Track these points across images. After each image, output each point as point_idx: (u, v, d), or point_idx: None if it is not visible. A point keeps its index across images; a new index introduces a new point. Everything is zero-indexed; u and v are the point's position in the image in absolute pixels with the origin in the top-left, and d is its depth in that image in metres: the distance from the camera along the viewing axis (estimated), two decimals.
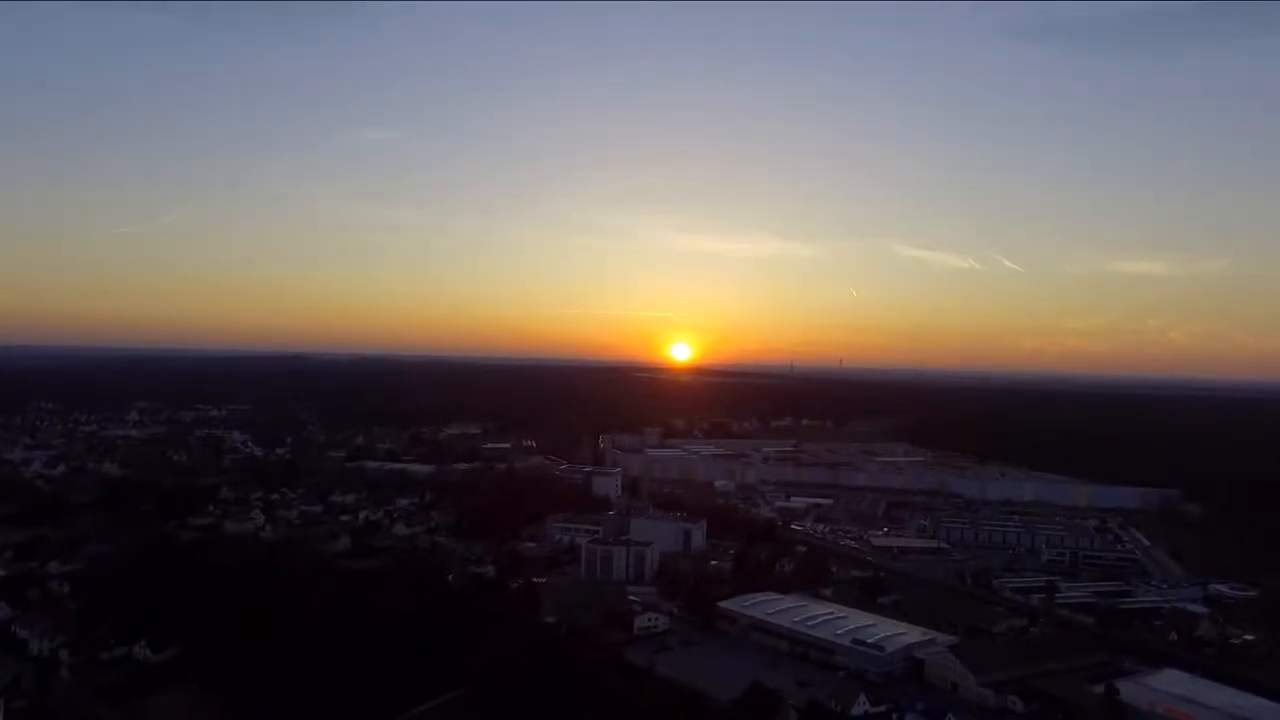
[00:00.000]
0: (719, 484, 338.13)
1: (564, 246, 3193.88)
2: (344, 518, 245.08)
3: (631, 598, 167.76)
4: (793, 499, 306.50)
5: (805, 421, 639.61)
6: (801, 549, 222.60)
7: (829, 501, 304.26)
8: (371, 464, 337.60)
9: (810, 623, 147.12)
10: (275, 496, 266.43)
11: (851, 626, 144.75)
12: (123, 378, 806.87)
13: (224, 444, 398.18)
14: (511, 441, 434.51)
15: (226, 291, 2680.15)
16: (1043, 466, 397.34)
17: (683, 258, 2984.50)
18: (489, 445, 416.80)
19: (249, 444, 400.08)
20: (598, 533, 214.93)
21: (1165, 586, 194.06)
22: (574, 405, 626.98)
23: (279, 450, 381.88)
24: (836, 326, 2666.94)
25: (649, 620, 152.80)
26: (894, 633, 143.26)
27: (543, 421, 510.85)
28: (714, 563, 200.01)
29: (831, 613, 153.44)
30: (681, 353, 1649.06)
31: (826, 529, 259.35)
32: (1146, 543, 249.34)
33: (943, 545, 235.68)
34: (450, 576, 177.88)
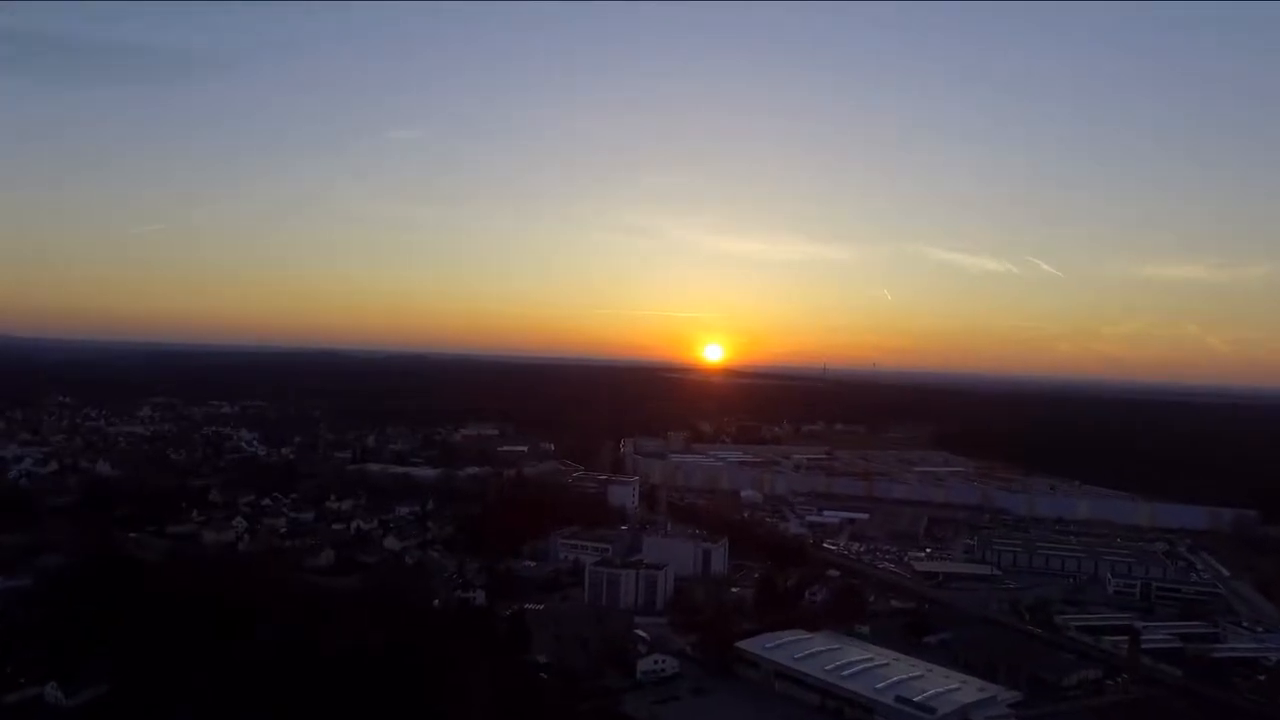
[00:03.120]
0: (745, 494, 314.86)
1: (595, 246, 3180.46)
2: (335, 527, 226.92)
3: (639, 631, 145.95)
4: (824, 513, 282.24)
5: (838, 426, 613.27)
6: (834, 573, 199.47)
7: (864, 516, 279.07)
8: (376, 467, 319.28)
9: (845, 672, 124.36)
10: (266, 502, 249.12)
11: (894, 679, 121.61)
12: (146, 372, 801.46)
13: (227, 443, 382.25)
14: (529, 444, 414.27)
15: (256, 288, 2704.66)
16: (1093, 479, 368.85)
17: (714, 259, 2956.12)
18: (504, 448, 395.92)
19: (254, 443, 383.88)
20: (607, 551, 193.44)
21: (1260, 629, 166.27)
22: (599, 406, 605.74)
23: (284, 450, 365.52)
24: (869, 329, 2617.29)
25: (655, 663, 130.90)
26: (945, 688, 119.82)
27: (565, 423, 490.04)
28: (735, 589, 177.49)
29: (871, 659, 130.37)
30: (712, 354, 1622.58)
31: (862, 548, 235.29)
32: (1225, 572, 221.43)
33: (994, 571, 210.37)
34: (436, 600, 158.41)
